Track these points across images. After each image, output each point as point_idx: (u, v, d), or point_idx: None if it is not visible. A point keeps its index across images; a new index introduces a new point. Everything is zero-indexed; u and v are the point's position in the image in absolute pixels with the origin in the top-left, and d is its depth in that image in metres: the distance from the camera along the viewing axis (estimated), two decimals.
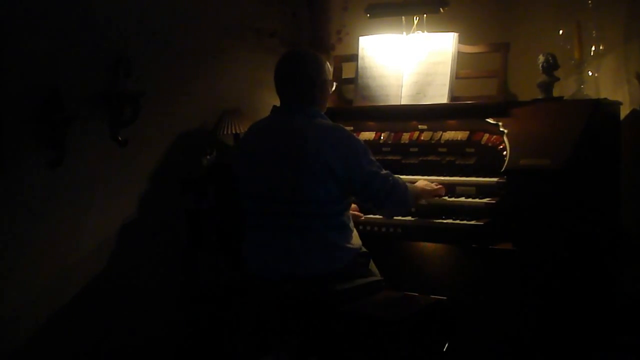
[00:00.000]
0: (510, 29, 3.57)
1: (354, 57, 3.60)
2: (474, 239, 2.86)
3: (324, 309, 2.61)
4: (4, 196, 3.01)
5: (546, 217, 2.78)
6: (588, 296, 3.04)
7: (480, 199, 2.96)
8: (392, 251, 3.16)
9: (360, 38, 3.57)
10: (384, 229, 3.07)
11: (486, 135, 3.11)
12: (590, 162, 2.98)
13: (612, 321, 3.23)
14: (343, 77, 3.69)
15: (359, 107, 3.52)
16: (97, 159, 3.31)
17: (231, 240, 3.28)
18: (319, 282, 2.63)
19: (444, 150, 3.21)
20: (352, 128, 3.31)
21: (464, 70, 3.39)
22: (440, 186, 3.03)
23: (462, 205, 2.99)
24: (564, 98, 3.19)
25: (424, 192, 2.97)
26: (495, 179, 2.94)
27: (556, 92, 3.21)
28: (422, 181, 3.02)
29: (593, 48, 3.29)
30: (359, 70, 3.54)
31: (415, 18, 3.51)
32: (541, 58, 3.20)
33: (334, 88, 2.91)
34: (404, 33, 3.52)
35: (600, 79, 3.38)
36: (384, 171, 2.72)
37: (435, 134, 3.26)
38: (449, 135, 3.21)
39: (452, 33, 3.33)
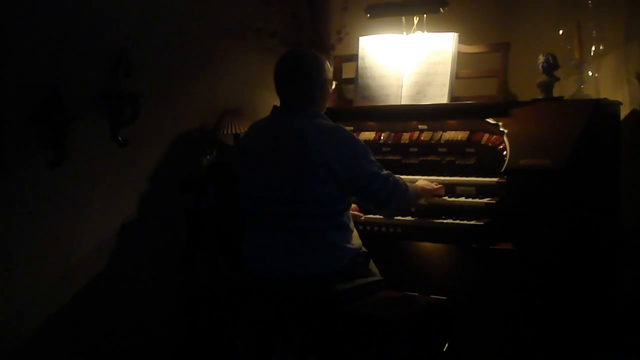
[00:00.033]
0: (510, 29, 3.57)
1: (354, 57, 3.60)
2: (474, 239, 2.86)
3: (324, 309, 2.61)
4: (4, 196, 3.01)
5: (546, 217, 2.78)
6: (588, 296, 3.04)
7: (480, 199, 2.96)
8: (392, 251, 3.17)
9: (360, 38, 3.57)
10: (384, 229, 3.06)
11: (486, 135, 3.11)
12: (590, 162, 2.97)
13: (612, 321, 3.23)
14: (343, 77, 3.69)
15: (359, 107, 3.52)
16: (97, 159, 3.31)
17: (231, 240, 3.27)
18: (319, 282, 2.63)
19: (444, 150, 3.21)
20: (352, 128, 3.31)
21: (464, 70, 3.39)
22: (440, 186, 3.03)
23: (462, 205, 2.99)
24: (564, 98, 3.19)
25: (424, 192, 2.97)
26: (495, 179, 2.94)
27: (556, 92, 3.21)
28: (422, 181, 3.02)
29: (593, 48, 3.29)
30: (359, 70, 3.54)
31: (415, 18, 3.51)
32: (541, 58, 3.20)
33: (333, 87, 2.91)
34: (404, 33, 3.52)
35: (600, 79, 3.38)
36: (384, 171, 2.72)
37: (435, 134, 3.26)
38: (449, 135, 3.21)
39: (452, 33, 3.33)
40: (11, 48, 2.99)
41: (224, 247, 3.48)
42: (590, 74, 3.32)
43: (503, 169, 2.89)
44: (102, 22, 3.27)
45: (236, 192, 2.82)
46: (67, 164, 3.17)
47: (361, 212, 3.08)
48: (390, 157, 3.31)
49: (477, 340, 3.01)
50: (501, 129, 3.04)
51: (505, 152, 2.94)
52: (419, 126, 3.32)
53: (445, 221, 2.95)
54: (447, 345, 2.75)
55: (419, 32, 3.47)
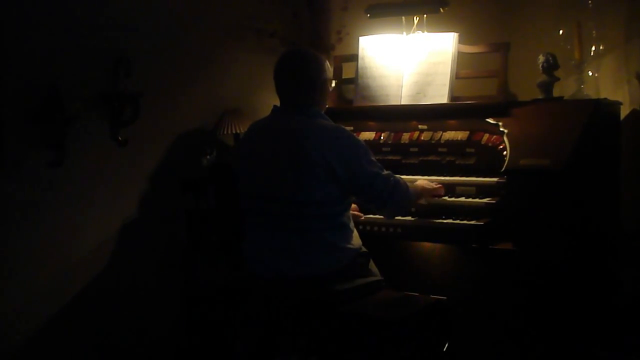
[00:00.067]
0: (510, 29, 3.57)
1: (354, 57, 3.60)
2: (474, 239, 2.85)
3: (324, 309, 2.61)
4: (4, 196, 3.01)
5: (546, 217, 2.78)
6: (588, 296, 3.04)
7: (480, 199, 2.96)
8: (392, 251, 3.16)
9: (360, 38, 3.57)
10: (384, 229, 3.06)
11: (486, 135, 3.11)
12: (590, 162, 2.98)
13: (612, 321, 3.23)
14: (343, 77, 3.69)
15: (359, 107, 3.52)
16: (97, 159, 3.31)
17: (231, 240, 3.27)
18: (319, 282, 2.63)
19: (444, 150, 3.21)
20: (352, 128, 3.31)
21: (464, 70, 3.39)
22: (440, 186, 3.03)
23: (462, 205, 2.99)
24: (564, 98, 3.20)
25: (424, 191, 2.97)
26: (495, 179, 2.94)
27: (556, 92, 3.21)
28: (422, 181, 3.02)
29: (593, 48, 3.29)
30: (359, 70, 3.54)
31: (415, 18, 3.51)
32: (541, 58, 3.20)
33: (333, 85, 2.90)
34: (404, 33, 3.52)
35: (600, 79, 3.38)
36: (385, 172, 2.72)
37: (435, 134, 3.26)
38: (449, 135, 3.21)
39: (452, 33, 3.33)
40: (11, 48, 2.99)
41: (224, 247, 3.48)
42: (590, 74, 3.32)
43: (503, 169, 2.89)
44: (102, 22, 3.27)
45: (236, 192, 2.82)
46: (67, 164, 3.17)
47: (361, 212, 3.08)
48: (390, 157, 3.31)
49: (477, 340, 3.01)
50: (501, 129, 3.04)
51: (505, 152, 2.94)
52: (419, 126, 3.32)
53: (445, 221, 2.95)
54: (447, 345, 2.75)
55: (419, 32, 3.48)
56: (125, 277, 3.42)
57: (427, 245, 3.15)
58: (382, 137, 3.40)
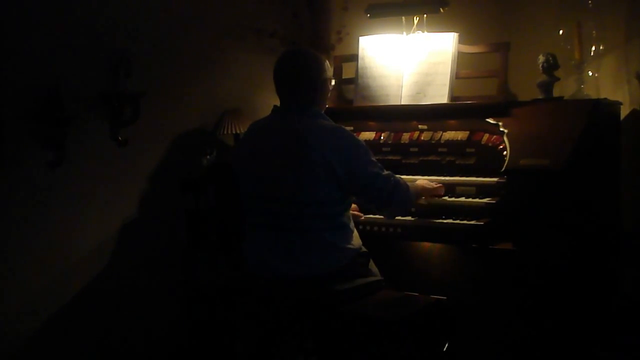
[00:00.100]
0: (510, 29, 3.57)
1: (354, 57, 3.60)
2: (474, 239, 2.85)
3: (324, 309, 2.61)
4: (4, 196, 3.01)
5: (546, 217, 2.78)
6: (588, 296, 3.04)
7: (480, 199, 2.96)
8: (392, 251, 3.16)
9: (360, 38, 3.57)
10: (384, 229, 3.06)
11: (486, 135, 3.11)
12: (590, 162, 2.97)
13: (612, 321, 3.23)
14: (343, 77, 3.69)
15: (359, 107, 3.52)
16: (97, 159, 3.31)
17: (231, 240, 3.27)
18: (319, 282, 2.63)
19: (444, 150, 3.21)
20: (352, 128, 3.30)
21: (464, 70, 3.39)
22: (440, 185, 3.03)
23: (462, 205, 2.98)
24: (564, 98, 3.19)
25: (424, 191, 2.97)
26: (495, 179, 2.94)
27: (556, 92, 3.21)
28: (422, 180, 3.02)
29: (593, 48, 3.29)
30: (359, 70, 3.54)
31: (415, 18, 3.51)
32: (541, 58, 3.20)
33: (333, 84, 2.90)
34: (404, 33, 3.52)
35: (600, 79, 3.38)
36: (385, 172, 2.72)
37: (435, 134, 3.26)
38: (449, 135, 3.21)
39: (452, 33, 3.33)
40: (12, 48, 2.99)
41: (224, 247, 3.48)
42: (590, 74, 3.32)
43: (503, 169, 2.89)
44: (102, 22, 3.27)
45: (236, 192, 2.82)
46: (67, 163, 3.17)
47: (361, 212, 3.08)
48: (390, 157, 3.31)
49: (477, 340, 3.01)
50: (501, 129, 3.04)
51: (505, 152, 2.94)
52: (419, 126, 3.32)
53: (445, 221, 2.95)
54: (447, 345, 2.75)
55: (419, 32, 3.47)
56: (125, 277, 3.42)
57: (427, 245, 3.15)
58: (382, 137, 3.40)
